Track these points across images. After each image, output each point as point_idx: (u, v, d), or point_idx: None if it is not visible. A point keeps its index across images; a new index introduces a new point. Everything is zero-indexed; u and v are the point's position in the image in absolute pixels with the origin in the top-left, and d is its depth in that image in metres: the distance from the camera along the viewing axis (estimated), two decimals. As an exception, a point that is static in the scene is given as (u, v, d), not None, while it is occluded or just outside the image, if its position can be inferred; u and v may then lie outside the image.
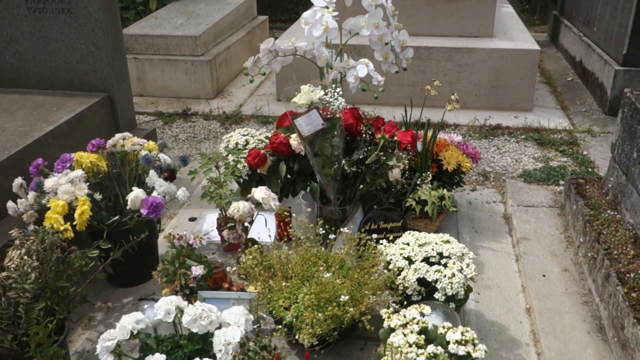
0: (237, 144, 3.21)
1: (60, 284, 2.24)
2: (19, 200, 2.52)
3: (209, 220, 3.20)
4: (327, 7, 2.83)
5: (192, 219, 3.36)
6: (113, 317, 2.64)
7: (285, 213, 3.00)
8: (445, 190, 3.03)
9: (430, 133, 3.16)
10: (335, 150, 2.70)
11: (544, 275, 2.93)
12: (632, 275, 2.48)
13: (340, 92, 2.64)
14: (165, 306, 2.04)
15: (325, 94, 2.65)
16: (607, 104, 4.85)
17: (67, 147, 3.02)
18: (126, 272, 2.76)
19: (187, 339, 1.99)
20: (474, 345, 1.95)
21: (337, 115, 2.61)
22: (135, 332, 1.96)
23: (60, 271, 2.26)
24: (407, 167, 2.84)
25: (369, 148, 2.82)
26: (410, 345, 1.90)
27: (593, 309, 2.69)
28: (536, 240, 3.21)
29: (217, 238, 2.97)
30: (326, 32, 2.78)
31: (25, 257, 2.21)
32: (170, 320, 2.02)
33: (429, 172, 3.05)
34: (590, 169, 4.00)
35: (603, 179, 3.31)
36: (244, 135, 3.29)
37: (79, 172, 2.54)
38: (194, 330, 1.96)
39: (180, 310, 2.03)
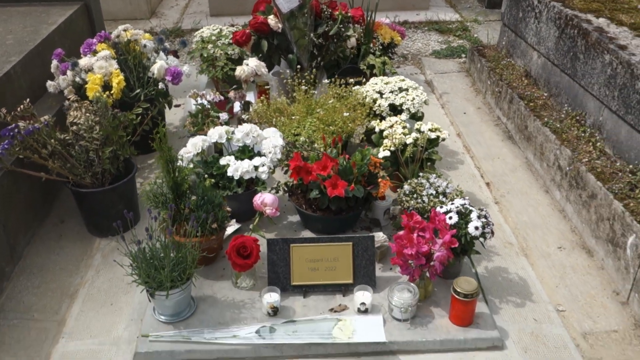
0: (211, 34, 3.79)
1: (119, 133, 2.80)
2: (61, 77, 2.98)
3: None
4: None
5: (177, 106, 3.92)
6: (145, 172, 3.22)
7: (266, 86, 3.68)
8: (386, 58, 3.86)
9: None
10: (307, 22, 3.41)
11: (464, 113, 3.92)
12: (527, 93, 3.51)
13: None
14: (217, 131, 2.70)
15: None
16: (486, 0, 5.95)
17: (65, 46, 3.43)
18: (146, 140, 3.32)
19: (240, 151, 2.68)
20: (440, 131, 2.84)
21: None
22: (201, 149, 2.62)
23: (115, 125, 2.81)
24: (361, 36, 3.62)
25: (330, 24, 3.57)
26: (399, 134, 2.75)
27: (503, 128, 3.72)
28: (453, 93, 4.19)
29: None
30: None
31: (88, 115, 2.75)
32: (224, 140, 2.70)
33: (370, 44, 3.87)
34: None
35: (497, 43, 4.34)
36: (213, 30, 3.87)
37: (107, 52, 3.05)
38: (247, 142, 2.66)
39: (232, 133, 2.70)
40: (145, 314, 2.23)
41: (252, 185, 2.62)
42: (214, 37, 3.81)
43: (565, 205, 2.89)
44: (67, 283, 2.47)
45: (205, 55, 3.44)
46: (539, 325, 2.26)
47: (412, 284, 2.21)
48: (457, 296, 2.11)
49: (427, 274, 2.22)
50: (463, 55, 4.79)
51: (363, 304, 2.19)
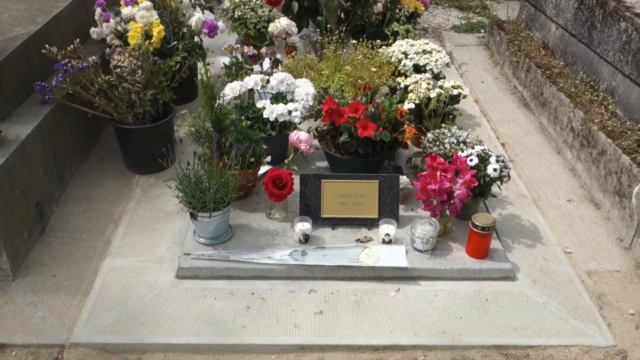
0: (239, 16, 3.94)
1: (159, 78, 2.98)
2: (104, 24, 3.16)
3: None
4: None
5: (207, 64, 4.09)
6: (178, 121, 3.41)
7: (294, 45, 3.85)
8: (409, 26, 4.03)
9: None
10: (336, -14, 3.57)
11: (482, 82, 4.09)
12: (544, 62, 3.67)
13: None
14: (254, 78, 2.88)
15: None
16: (505, -21, 6.09)
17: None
18: (182, 90, 3.50)
19: (274, 98, 2.86)
20: (462, 89, 3.02)
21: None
22: (238, 92, 2.80)
23: (156, 70, 2.99)
24: (387, 2, 3.79)
25: (357, -11, 3.73)
26: (424, 88, 2.93)
27: (519, 96, 3.89)
28: (472, 64, 4.36)
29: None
30: None
31: (131, 59, 2.92)
32: (259, 87, 2.87)
33: (396, 11, 4.02)
34: (499, 24, 5.21)
35: (516, 17, 4.50)
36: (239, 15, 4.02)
37: (148, 3, 3.22)
38: (281, 89, 2.83)
39: (267, 81, 2.88)
40: (185, 237, 2.42)
41: (285, 129, 2.80)
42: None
43: (575, 164, 3.07)
44: (110, 211, 2.67)
45: (238, 14, 3.61)
46: (547, 263, 2.45)
47: (433, 219, 2.39)
48: (474, 229, 2.30)
49: (448, 212, 2.41)
50: (482, 31, 4.94)
51: (387, 234, 2.38)
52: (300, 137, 2.51)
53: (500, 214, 2.72)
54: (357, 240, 2.42)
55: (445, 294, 2.26)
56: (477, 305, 2.22)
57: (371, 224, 2.49)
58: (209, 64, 3.07)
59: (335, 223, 2.49)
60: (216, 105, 2.43)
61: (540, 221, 2.72)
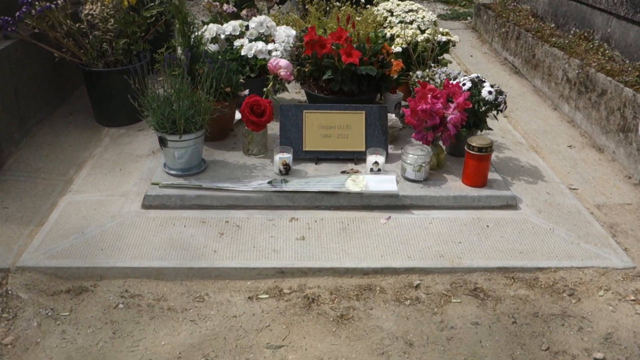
0: None
1: (132, 28, 2.82)
2: (77, -22, 3.01)
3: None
4: None
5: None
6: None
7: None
8: None
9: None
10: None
11: (471, 56, 3.97)
12: (534, 26, 3.56)
13: None
14: (232, 24, 2.73)
15: None
16: (490, -21, 6.09)
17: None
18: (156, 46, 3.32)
19: (255, 39, 2.69)
20: (450, 35, 2.87)
21: None
22: (215, 34, 2.64)
23: (129, 21, 2.83)
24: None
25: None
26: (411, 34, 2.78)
27: (509, 66, 3.76)
28: (460, 43, 4.22)
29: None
30: None
31: (103, 7, 2.77)
32: (237, 32, 2.72)
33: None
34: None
35: (503, -3, 4.44)
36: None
37: (123, -41, 3.09)
38: (261, 31, 2.68)
39: (245, 27, 2.72)
40: (155, 172, 2.20)
41: (264, 73, 2.62)
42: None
43: (574, 114, 2.90)
44: (75, 156, 2.45)
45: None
46: (551, 197, 2.24)
47: (425, 145, 2.19)
48: (471, 151, 2.10)
49: (441, 141, 2.22)
50: (469, 18, 4.87)
51: (376, 163, 2.17)
52: (280, 63, 2.33)
53: (497, 156, 2.53)
54: (343, 172, 2.21)
55: (441, 222, 2.04)
56: (478, 232, 2.00)
57: (358, 157, 2.29)
58: None
59: (318, 157, 2.29)
60: (189, 31, 2.26)
61: (541, 163, 2.53)
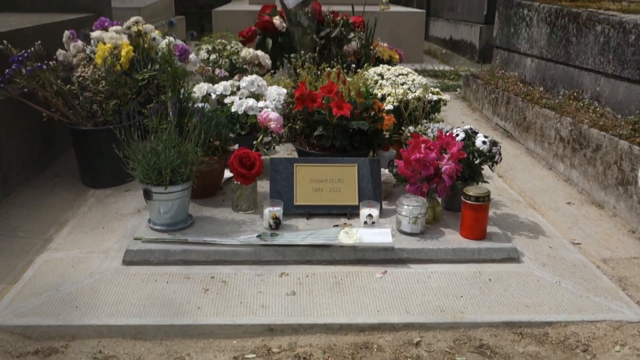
0: (214, 47, 3.93)
1: (124, 90, 2.81)
2: (72, 44, 3.04)
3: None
4: None
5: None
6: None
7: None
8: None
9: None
10: (309, 22, 3.56)
11: (462, 122, 3.97)
12: (523, 91, 3.60)
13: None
14: (223, 84, 2.72)
15: (302, -23, 3.53)
16: (477, 54, 6.27)
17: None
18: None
19: (246, 97, 2.67)
20: (441, 94, 2.88)
21: (312, -8, 3.50)
22: (205, 92, 2.63)
23: (121, 83, 2.83)
24: (362, 41, 3.77)
25: (331, 28, 3.73)
26: (402, 91, 2.79)
27: (501, 131, 3.77)
28: (451, 111, 4.28)
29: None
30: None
31: (95, 69, 2.78)
32: (228, 92, 2.71)
33: (369, 60, 4.01)
34: (475, 87, 5.24)
35: (490, 65, 4.52)
36: (215, 47, 4.02)
37: (118, 27, 3.14)
38: (252, 89, 2.67)
39: (237, 87, 2.72)
40: (139, 228, 2.10)
41: (255, 131, 2.59)
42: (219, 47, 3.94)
43: (570, 173, 2.86)
44: (57, 216, 2.35)
45: (211, 48, 3.55)
46: (554, 251, 2.15)
47: (420, 197, 2.12)
48: (468, 201, 2.02)
49: (436, 192, 2.14)
50: (458, 89, 4.96)
51: (370, 216, 2.09)
52: (270, 115, 2.29)
53: (495, 212, 2.45)
54: (335, 227, 2.12)
55: (440, 275, 1.93)
56: (480, 285, 1.88)
57: (351, 212, 2.20)
58: (172, 36, 2.96)
59: (310, 212, 2.20)
60: (179, 85, 2.24)
61: (540, 219, 2.44)
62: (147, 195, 2.00)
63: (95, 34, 3.11)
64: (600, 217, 2.50)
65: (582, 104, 3.00)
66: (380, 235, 2.00)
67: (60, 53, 3.11)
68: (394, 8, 6.05)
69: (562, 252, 2.14)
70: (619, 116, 2.72)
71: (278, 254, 1.96)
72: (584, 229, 2.39)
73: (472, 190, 2.03)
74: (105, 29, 3.25)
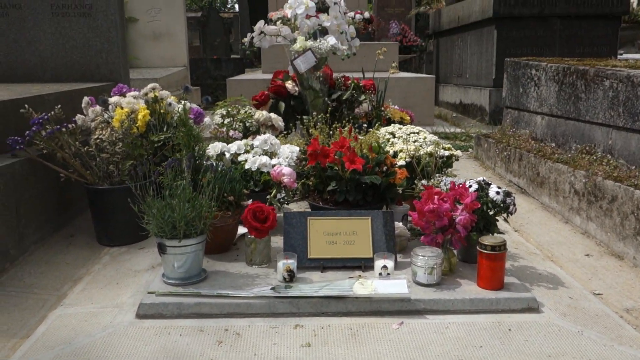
0: (228, 112, 4.05)
1: (140, 151, 2.88)
2: (90, 109, 3.15)
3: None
4: (304, -4, 3.94)
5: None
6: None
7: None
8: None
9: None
10: (321, 86, 3.67)
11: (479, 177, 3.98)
12: (535, 147, 3.62)
13: (324, 43, 3.68)
14: (237, 143, 2.79)
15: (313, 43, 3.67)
16: (487, 117, 6.36)
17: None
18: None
19: (260, 154, 2.72)
20: (452, 150, 2.91)
21: (324, 56, 3.63)
22: (220, 150, 2.68)
23: (138, 145, 2.91)
24: (373, 103, 3.86)
25: (343, 91, 3.84)
26: (414, 148, 2.82)
27: (515, 187, 3.76)
28: (463, 170, 4.30)
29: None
30: (307, 10, 3.87)
31: (112, 132, 2.87)
32: (242, 151, 2.76)
33: (381, 121, 4.09)
34: (486, 148, 5.28)
35: (501, 125, 4.57)
36: (229, 111, 4.14)
37: (136, 93, 3.26)
38: (265, 148, 2.72)
39: (250, 146, 2.78)
40: (153, 282, 2.10)
41: (269, 188, 2.62)
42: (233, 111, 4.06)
43: (587, 225, 2.83)
44: (71, 273, 2.36)
45: (225, 113, 3.65)
46: (575, 301, 2.09)
47: (435, 248, 2.10)
48: (484, 250, 2.00)
49: (451, 244, 2.13)
50: (470, 149, 5.00)
51: (385, 267, 2.07)
52: (283, 170, 2.32)
53: (512, 265, 2.41)
54: (350, 278, 2.09)
55: (458, 326, 1.88)
56: (499, 335, 1.83)
57: (366, 264, 2.18)
58: (187, 100, 3.05)
59: (324, 265, 2.18)
60: (193, 143, 2.30)
61: (559, 271, 2.40)
62: (161, 249, 2.01)
63: (113, 99, 3.23)
64: (620, 268, 2.44)
65: (595, 157, 3.01)
66: (396, 286, 1.97)
67: (79, 117, 3.22)
68: (404, 74, 6.22)
69: (583, 303, 2.08)
70: (633, 167, 2.72)
71: (292, 306, 1.93)
72: (604, 279, 2.33)
73: (487, 240, 2.01)
74: (123, 95, 3.38)
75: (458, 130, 6.09)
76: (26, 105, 2.59)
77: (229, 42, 15.82)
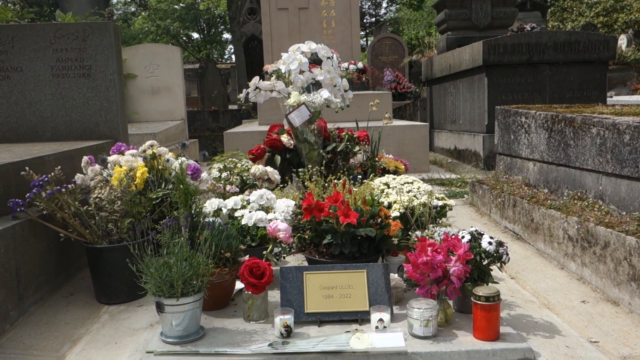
0: (225, 166, 4.12)
1: (138, 209, 2.93)
2: (89, 168, 3.21)
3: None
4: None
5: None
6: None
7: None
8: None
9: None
10: (316, 138, 3.75)
11: (471, 227, 4.01)
12: (528, 193, 3.67)
13: (317, 97, 3.79)
14: (233, 199, 2.84)
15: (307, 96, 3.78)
16: (482, 162, 6.44)
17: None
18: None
19: (256, 210, 2.77)
20: (446, 199, 2.96)
21: (318, 109, 3.72)
22: (217, 207, 2.73)
23: (136, 202, 2.96)
24: (368, 153, 3.94)
25: (337, 143, 3.92)
26: (409, 199, 2.87)
27: (511, 234, 3.80)
28: (459, 217, 4.35)
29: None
30: (300, 65, 3.99)
31: (111, 190, 2.92)
32: (239, 207, 2.81)
33: (376, 171, 4.16)
34: (482, 193, 5.34)
35: (494, 172, 4.64)
36: (225, 165, 4.22)
37: (134, 151, 3.33)
38: (261, 202, 2.77)
39: (247, 201, 2.83)
40: (151, 341, 2.11)
41: (266, 242, 2.65)
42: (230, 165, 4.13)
43: (582, 271, 2.85)
44: (70, 333, 2.37)
45: (222, 167, 3.72)
46: (572, 350, 2.10)
47: (430, 299, 2.12)
48: (478, 301, 2.02)
49: (446, 295, 2.15)
50: (465, 196, 5.05)
51: (381, 320, 2.08)
52: (279, 225, 2.36)
53: (508, 313, 2.42)
54: (347, 332, 2.11)
55: (456, 379, 1.89)
56: (496, 388, 1.83)
57: (362, 318, 2.19)
58: (184, 156, 3.11)
59: (321, 319, 2.19)
60: (190, 201, 2.35)
61: (555, 319, 2.41)
62: (159, 307, 2.03)
63: (112, 157, 3.30)
64: (616, 314, 2.46)
65: (586, 203, 3.06)
66: (393, 340, 1.98)
67: (78, 177, 3.28)
68: (397, 122, 6.34)
69: (580, 351, 2.09)
70: (624, 213, 2.76)
71: (290, 362, 1.94)
72: (600, 327, 2.34)
73: (481, 291, 2.04)
74: (122, 153, 3.45)
75: (453, 176, 6.17)
76: (27, 168, 2.65)
77: (227, 92, 16.14)
